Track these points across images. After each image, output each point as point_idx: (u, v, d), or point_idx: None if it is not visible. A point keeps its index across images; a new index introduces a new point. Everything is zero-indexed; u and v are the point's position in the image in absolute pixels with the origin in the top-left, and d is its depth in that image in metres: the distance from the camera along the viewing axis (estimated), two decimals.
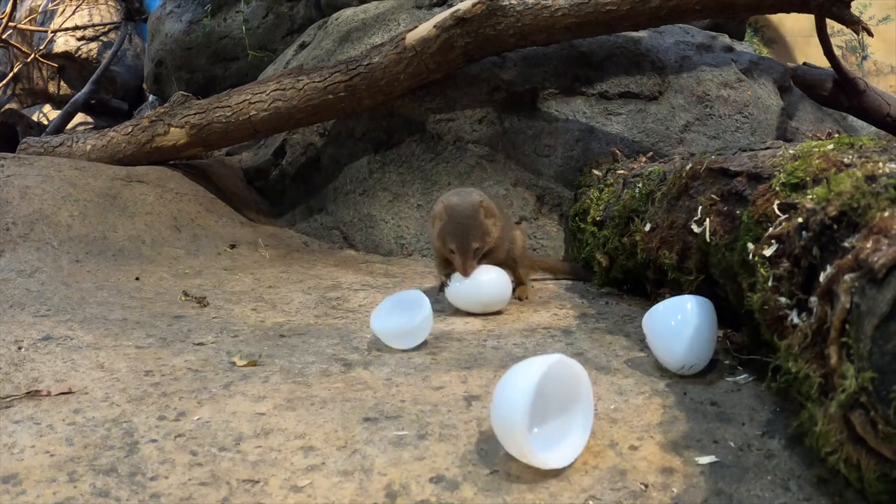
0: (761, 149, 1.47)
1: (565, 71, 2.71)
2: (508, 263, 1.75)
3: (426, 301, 1.41)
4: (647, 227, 1.61)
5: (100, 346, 1.37)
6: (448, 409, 1.09)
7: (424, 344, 1.43)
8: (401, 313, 1.41)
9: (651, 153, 2.38)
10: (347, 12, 3.27)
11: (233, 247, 2.47)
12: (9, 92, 6.31)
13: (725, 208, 1.26)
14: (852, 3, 2.28)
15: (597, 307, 1.73)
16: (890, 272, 0.70)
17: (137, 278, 1.98)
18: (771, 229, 1.03)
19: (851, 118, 3.31)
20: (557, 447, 0.93)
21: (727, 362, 1.26)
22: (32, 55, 6.02)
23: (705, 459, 0.94)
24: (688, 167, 1.49)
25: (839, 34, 4.53)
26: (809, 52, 4.37)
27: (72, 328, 1.47)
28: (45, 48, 6.06)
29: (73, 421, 1.05)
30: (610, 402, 1.12)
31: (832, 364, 0.77)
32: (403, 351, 1.39)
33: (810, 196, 0.97)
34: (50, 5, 6.26)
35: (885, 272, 0.71)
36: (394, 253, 2.60)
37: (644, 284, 1.72)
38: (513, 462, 0.94)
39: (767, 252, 1.02)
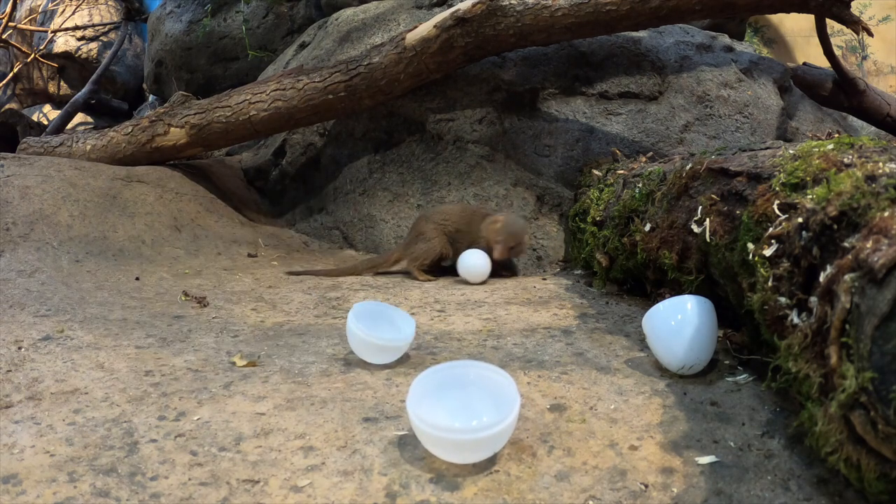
0: (761, 149, 1.47)
1: (565, 71, 2.71)
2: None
3: (408, 321, 1.37)
4: (647, 227, 1.61)
5: (100, 346, 1.37)
6: None
7: (425, 345, 1.43)
8: (378, 326, 1.33)
9: (651, 153, 2.38)
10: (347, 12, 3.27)
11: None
12: (9, 92, 6.31)
13: (725, 208, 1.26)
14: (852, 3, 2.28)
15: (597, 307, 1.73)
16: (890, 272, 0.70)
17: (137, 278, 1.98)
18: (771, 229, 1.03)
19: (851, 118, 3.31)
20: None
21: (727, 362, 1.26)
22: (32, 55, 6.02)
23: (705, 459, 0.94)
24: (688, 167, 1.49)
25: (839, 34, 4.53)
26: (809, 52, 4.37)
27: (72, 328, 1.47)
28: (45, 48, 6.06)
29: (73, 421, 1.05)
30: (610, 402, 1.12)
31: (832, 364, 0.78)
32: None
33: (810, 196, 0.97)
34: (50, 5, 6.26)
35: (885, 272, 0.71)
36: None
37: (644, 284, 1.72)
38: (513, 462, 0.94)
39: (767, 252, 1.02)
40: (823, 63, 2.78)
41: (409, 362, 1.32)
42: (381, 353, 1.30)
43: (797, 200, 1.00)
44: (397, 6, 3.07)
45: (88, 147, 2.84)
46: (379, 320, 1.33)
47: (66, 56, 6.08)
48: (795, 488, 0.86)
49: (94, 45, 6.12)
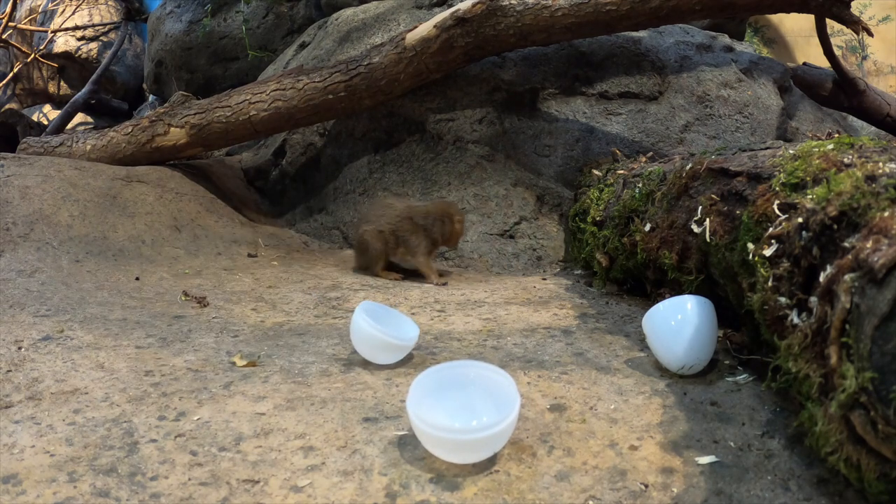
0: (761, 149, 1.47)
1: (565, 71, 2.71)
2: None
3: (412, 324, 1.37)
4: (647, 227, 1.61)
5: (100, 346, 1.37)
6: None
7: (425, 345, 1.43)
8: (383, 322, 1.32)
9: (651, 153, 2.38)
10: (347, 12, 3.27)
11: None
12: (9, 92, 6.31)
13: (725, 208, 1.26)
14: (852, 3, 2.28)
15: (597, 307, 1.73)
16: (890, 272, 0.70)
17: (137, 278, 1.98)
18: (771, 229, 1.03)
19: (851, 118, 3.31)
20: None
21: (727, 362, 1.26)
22: (32, 55, 6.02)
23: (705, 459, 0.94)
24: (688, 167, 1.49)
25: (839, 34, 4.53)
26: (809, 52, 4.37)
27: (72, 328, 1.47)
28: (45, 48, 6.06)
29: (73, 421, 1.05)
30: (610, 402, 1.12)
31: (832, 364, 0.77)
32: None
33: (810, 196, 0.97)
34: (50, 5, 6.26)
35: (885, 272, 0.71)
36: None
37: (644, 284, 1.72)
38: (513, 462, 0.94)
39: (767, 252, 1.02)
40: (823, 63, 2.79)
41: (409, 362, 1.32)
42: (388, 352, 1.30)
43: (797, 200, 1.00)
44: (397, 6, 3.07)
45: (88, 147, 2.84)
46: (382, 322, 1.32)
47: (66, 56, 6.08)
48: (795, 488, 0.86)
49: (94, 45, 6.12)
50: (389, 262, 2.21)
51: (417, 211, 2.13)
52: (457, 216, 2.10)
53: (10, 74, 6.21)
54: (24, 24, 6.16)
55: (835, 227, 0.87)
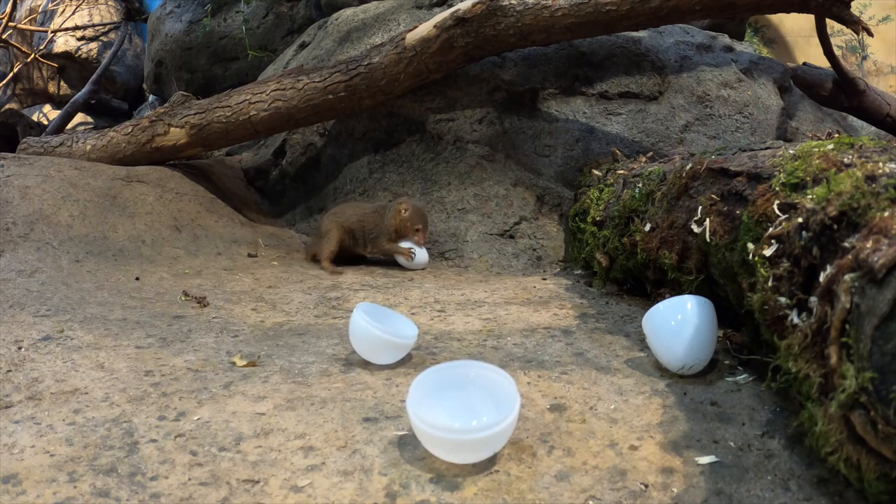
0: (761, 149, 1.47)
1: (565, 71, 2.71)
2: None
3: (410, 323, 1.36)
4: (647, 227, 1.61)
5: (100, 346, 1.37)
6: None
7: (425, 345, 1.43)
8: (382, 321, 1.31)
9: (651, 153, 2.38)
10: (347, 12, 3.27)
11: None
12: (9, 92, 6.31)
13: (725, 208, 1.26)
14: (852, 3, 2.28)
15: (597, 307, 1.73)
16: (890, 272, 0.70)
17: (137, 278, 1.98)
18: (771, 229, 1.03)
19: (851, 118, 3.31)
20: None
21: (727, 362, 1.26)
22: (32, 55, 6.02)
23: (705, 459, 0.94)
24: (688, 167, 1.49)
25: (839, 34, 4.53)
26: (809, 52, 4.37)
27: (72, 328, 1.47)
28: (45, 48, 6.06)
29: (73, 421, 1.05)
30: (610, 402, 1.12)
31: (832, 364, 0.78)
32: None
33: (810, 196, 0.97)
34: (50, 5, 6.26)
35: (885, 272, 0.71)
36: None
37: (644, 284, 1.72)
38: (513, 462, 0.94)
39: (767, 252, 1.02)
40: (823, 63, 2.79)
41: (409, 362, 1.32)
42: (387, 351, 1.29)
43: (797, 200, 1.00)
44: (397, 6, 3.07)
45: (88, 147, 2.84)
46: (380, 322, 1.32)
47: (66, 56, 6.08)
48: (795, 488, 0.86)
49: (94, 45, 6.12)
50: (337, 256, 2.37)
51: (379, 209, 2.42)
52: (402, 206, 2.33)
53: (10, 74, 6.21)
54: (24, 24, 6.16)
55: (835, 227, 0.87)
